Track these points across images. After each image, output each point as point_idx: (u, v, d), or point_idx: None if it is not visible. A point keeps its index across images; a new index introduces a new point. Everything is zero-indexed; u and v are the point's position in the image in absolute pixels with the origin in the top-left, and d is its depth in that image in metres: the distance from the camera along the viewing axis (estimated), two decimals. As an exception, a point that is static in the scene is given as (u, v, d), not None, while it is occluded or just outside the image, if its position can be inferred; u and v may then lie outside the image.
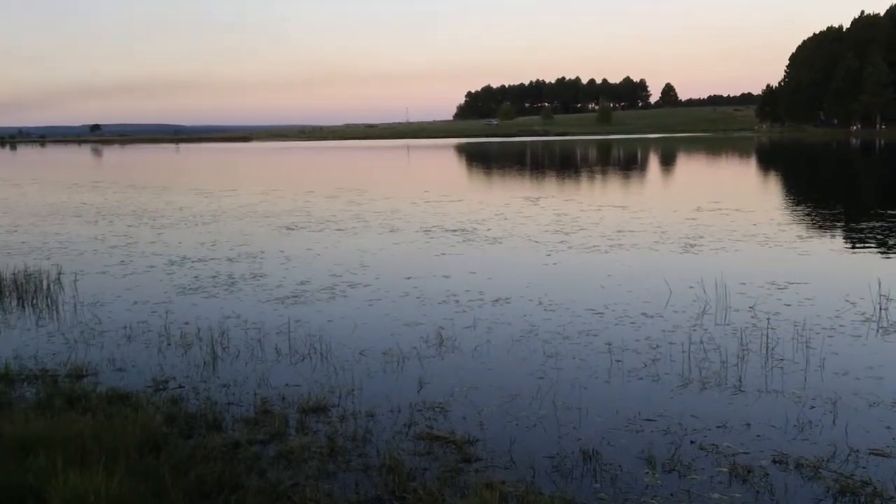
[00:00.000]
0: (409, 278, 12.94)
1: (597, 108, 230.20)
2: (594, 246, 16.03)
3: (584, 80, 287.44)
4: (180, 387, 7.70)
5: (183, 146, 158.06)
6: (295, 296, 11.78)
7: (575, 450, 6.01)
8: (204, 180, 42.90)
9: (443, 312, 10.55)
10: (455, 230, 18.89)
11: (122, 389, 7.48)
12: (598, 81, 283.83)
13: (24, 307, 11.39)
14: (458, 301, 11.19)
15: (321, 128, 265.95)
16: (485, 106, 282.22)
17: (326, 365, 8.31)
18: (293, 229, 19.83)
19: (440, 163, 67.21)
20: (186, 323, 10.17)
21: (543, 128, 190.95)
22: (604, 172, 44.24)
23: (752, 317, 9.94)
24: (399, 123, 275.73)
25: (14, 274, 12.74)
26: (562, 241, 16.71)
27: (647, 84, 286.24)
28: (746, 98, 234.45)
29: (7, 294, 11.98)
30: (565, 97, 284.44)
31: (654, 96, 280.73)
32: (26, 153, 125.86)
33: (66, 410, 6.77)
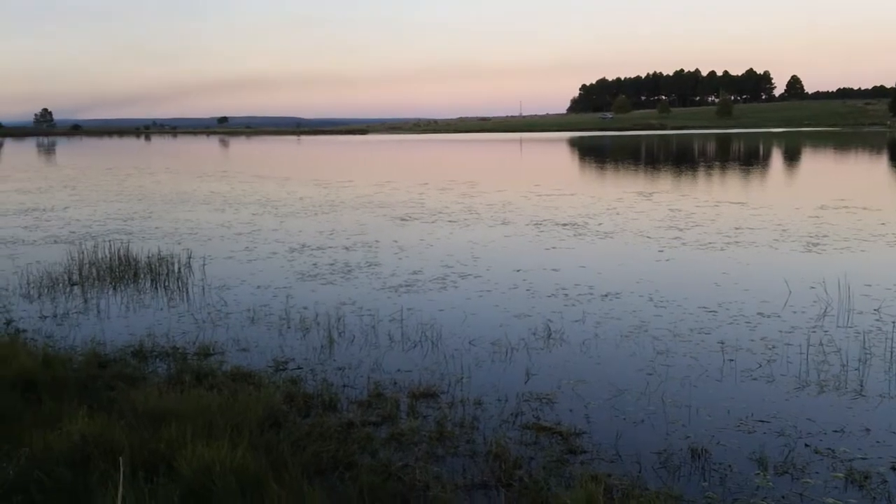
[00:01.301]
0: (518, 271, 13.03)
1: (716, 101, 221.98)
2: (709, 243, 15.64)
3: (704, 73, 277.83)
4: (299, 368, 8.09)
5: (304, 138, 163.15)
6: (408, 285, 12.09)
7: (683, 447, 5.97)
8: (323, 171, 44.24)
9: (552, 305, 10.60)
10: (566, 224, 18.82)
11: (246, 368, 7.93)
12: (719, 73, 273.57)
13: (157, 288, 12.17)
14: (567, 294, 11.21)
15: (435, 121, 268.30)
16: (599, 99, 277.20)
17: (437, 353, 8.53)
18: (407, 220, 20.25)
19: (552, 156, 66.72)
20: (305, 308, 10.62)
21: (660, 121, 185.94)
22: (722, 168, 42.81)
23: (877, 320, 9.50)
24: (512, 117, 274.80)
25: (149, 257, 13.65)
26: (675, 238, 16.38)
27: (772, 76, 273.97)
28: (878, 91, 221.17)
29: (142, 276, 12.83)
30: (683, 90, 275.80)
31: (779, 89, 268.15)
32: (159, 143, 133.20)
33: (194, 386, 7.20)
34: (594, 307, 10.44)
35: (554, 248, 15.52)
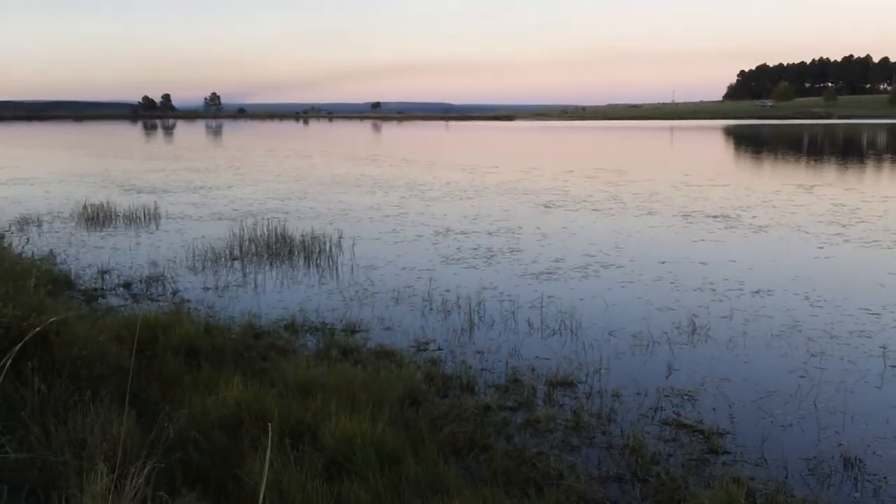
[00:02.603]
0: (663, 262, 12.68)
1: (889, 88, 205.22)
2: (875, 241, 14.59)
3: (876, 58, 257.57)
4: (439, 349, 8.27)
5: (451, 124, 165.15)
6: (549, 272, 12.05)
7: (835, 455, 5.65)
8: (469, 157, 44.67)
9: (697, 300, 10.26)
10: (717, 216, 18.10)
11: (389, 346, 8.19)
12: (893, 59, 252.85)
13: (309, 266, 12.75)
14: (714, 289, 10.81)
15: (583, 108, 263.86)
16: (759, 86, 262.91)
17: (576, 342, 8.47)
18: (550, 207, 20.13)
19: (705, 145, 64.15)
20: (447, 290, 10.82)
21: (825, 110, 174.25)
22: (894, 160, 39.71)
23: None
24: (664, 104, 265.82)
25: (303, 236, 14.32)
26: (837, 234, 15.39)
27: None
28: None
29: (296, 253, 13.48)
30: (853, 77, 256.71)
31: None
32: (316, 127, 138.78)
33: (340, 360, 7.53)
34: (743, 304, 10.01)
35: (702, 240, 14.98)
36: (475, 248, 14.14)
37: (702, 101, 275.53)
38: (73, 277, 11.44)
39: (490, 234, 15.86)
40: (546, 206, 20.35)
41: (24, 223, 17.13)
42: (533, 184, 26.78)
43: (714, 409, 6.56)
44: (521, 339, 8.59)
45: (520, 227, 16.63)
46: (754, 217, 17.88)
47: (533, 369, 7.56)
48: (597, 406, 6.61)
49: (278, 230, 14.50)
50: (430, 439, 5.44)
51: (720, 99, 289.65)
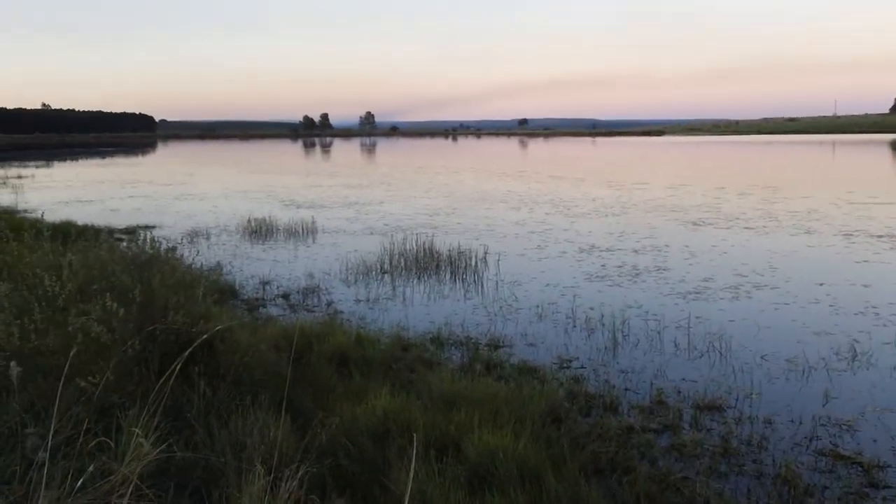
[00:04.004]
0: (821, 284, 12.01)
1: None
2: None
3: None
4: (582, 367, 8.23)
5: (599, 139, 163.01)
6: (697, 292, 11.70)
7: None
8: (616, 173, 43.99)
9: (859, 324, 9.65)
10: (882, 236, 16.90)
11: (531, 362, 8.24)
12: None
13: (455, 280, 13.00)
14: (878, 313, 10.13)
15: (737, 122, 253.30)
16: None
17: (725, 365, 8.19)
18: (700, 225, 19.51)
19: (869, 161, 59.91)
20: (591, 308, 10.74)
21: None
22: None
23: None
24: (824, 117, 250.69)
25: (449, 251, 14.64)
26: None
27: None
28: None
29: (443, 268, 13.79)
30: None
31: None
32: (464, 144, 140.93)
33: (483, 375, 7.64)
34: (914, 330, 9.32)
35: (865, 261, 14.04)
36: (620, 266, 13.94)
37: (867, 114, 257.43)
38: (237, 287, 12.24)
39: (636, 251, 15.58)
40: (695, 224, 19.73)
41: (194, 236, 18.48)
42: (682, 201, 26.03)
43: (875, 441, 6.17)
44: (666, 360, 8.40)
45: (667, 245, 16.22)
46: (929, 237, 16.57)
47: (679, 391, 7.39)
48: (747, 432, 6.37)
49: (426, 245, 14.90)
50: (572, 458, 5.43)
51: (887, 111, 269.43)
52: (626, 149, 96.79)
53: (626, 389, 7.47)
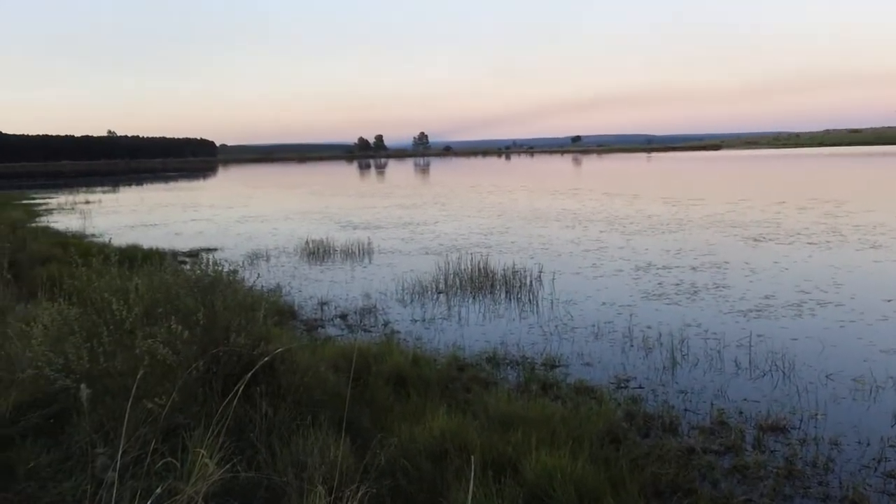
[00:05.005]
0: (889, 301, 11.66)
1: None
2: None
3: None
4: (640, 387, 8.13)
5: (654, 155, 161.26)
6: (758, 310, 11.47)
7: None
8: (672, 189, 43.44)
9: (932, 343, 9.34)
10: (958, 249, 16.34)
11: (588, 382, 8.17)
12: None
13: (510, 299, 13.00)
14: (953, 332, 9.79)
15: (797, 135, 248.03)
16: None
17: (788, 384, 8.01)
18: (760, 241, 19.12)
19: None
20: (648, 327, 10.62)
21: None
22: None
23: None
24: (889, 128, 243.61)
25: (504, 270, 14.65)
26: None
27: None
28: None
29: (498, 287, 13.80)
30: None
31: None
32: (517, 162, 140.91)
33: (540, 395, 7.62)
34: None
35: (939, 276, 13.60)
36: (678, 284, 13.75)
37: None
38: (296, 308, 12.44)
39: (694, 268, 15.35)
40: (755, 240, 19.35)
41: (254, 258, 18.85)
42: (741, 216, 25.56)
43: (950, 465, 5.96)
44: (727, 380, 8.25)
45: (726, 262, 15.95)
46: None
47: (741, 412, 7.24)
48: (812, 454, 6.22)
49: (481, 264, 14.93)
50: (631, 480, 5.38)
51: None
52: (681, 164, 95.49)
53: (685, 410, 7.36)
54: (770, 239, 19.40)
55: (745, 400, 7.58)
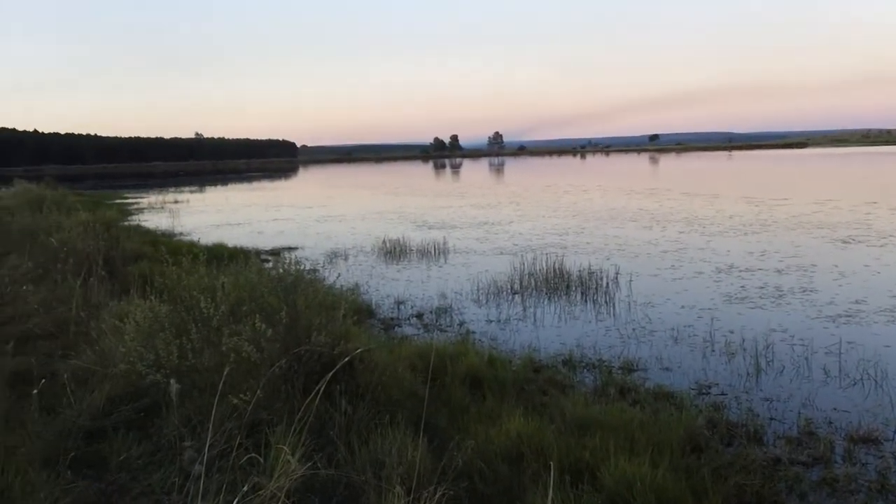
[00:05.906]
0: None
1: None
2: None
3: None
4: (722, 394, 7.93)
5: (735, 153, 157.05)
6: (848, 315, 11.04)
7: None
8: (754, 188, 42.21)
9: None
10: None
11: (667, 388, 8.01)
12: None
13: (586, 301, 12.86)
14: None
15: (888, 131, 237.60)
16: None
17: (881, 394, 7.69)
18: (850, 243, 18.40)
19: None
20: (731, 331, 10.34)
21: None
22: None
23: None
24: None
25: (580, 271, 14.51)
26: None
27: None
28: None
29: (573, 288, 13.67)
30: None
31: None
32: (592, 161, 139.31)
33: (617, 399, 7.49)
34: None
35: None
36: (762, 287, 13.35)
37: None
38: (373, 307, 12.60)
39: (779, 271, 14.88)
40: (844, 242, 18.63)
41: (333, 256, 19.17)
42: (828, 217, 24.66)
43: None
44: (815, 388, 7.97)
45: (813, 265, 15.40)
46: None
47: (830, 422, 6.98)
48: (907, 468, 5.95)
49: (556, 265, 14.82)
50: (714, 490, 5.24)
51: None
52: (764, 162, 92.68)
53: (770, 419, 7.14)
54: (860, 241, 18.65)
55: (834, 409, 7.31)
